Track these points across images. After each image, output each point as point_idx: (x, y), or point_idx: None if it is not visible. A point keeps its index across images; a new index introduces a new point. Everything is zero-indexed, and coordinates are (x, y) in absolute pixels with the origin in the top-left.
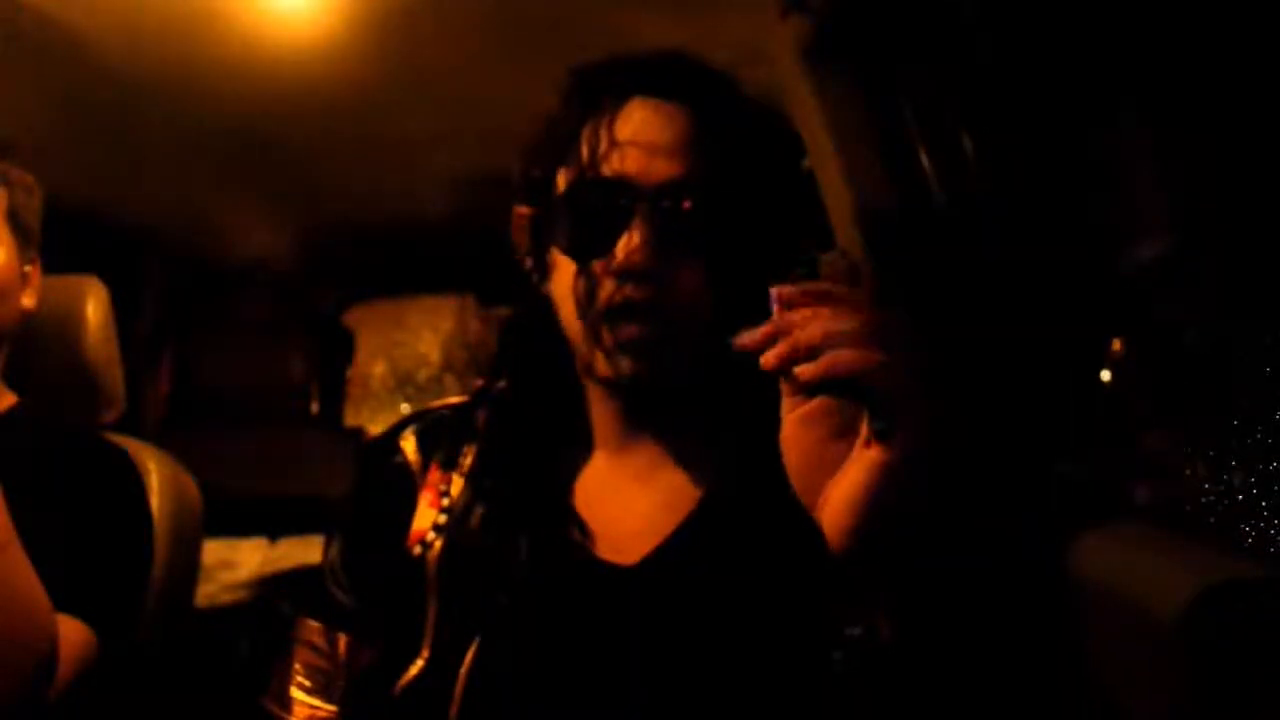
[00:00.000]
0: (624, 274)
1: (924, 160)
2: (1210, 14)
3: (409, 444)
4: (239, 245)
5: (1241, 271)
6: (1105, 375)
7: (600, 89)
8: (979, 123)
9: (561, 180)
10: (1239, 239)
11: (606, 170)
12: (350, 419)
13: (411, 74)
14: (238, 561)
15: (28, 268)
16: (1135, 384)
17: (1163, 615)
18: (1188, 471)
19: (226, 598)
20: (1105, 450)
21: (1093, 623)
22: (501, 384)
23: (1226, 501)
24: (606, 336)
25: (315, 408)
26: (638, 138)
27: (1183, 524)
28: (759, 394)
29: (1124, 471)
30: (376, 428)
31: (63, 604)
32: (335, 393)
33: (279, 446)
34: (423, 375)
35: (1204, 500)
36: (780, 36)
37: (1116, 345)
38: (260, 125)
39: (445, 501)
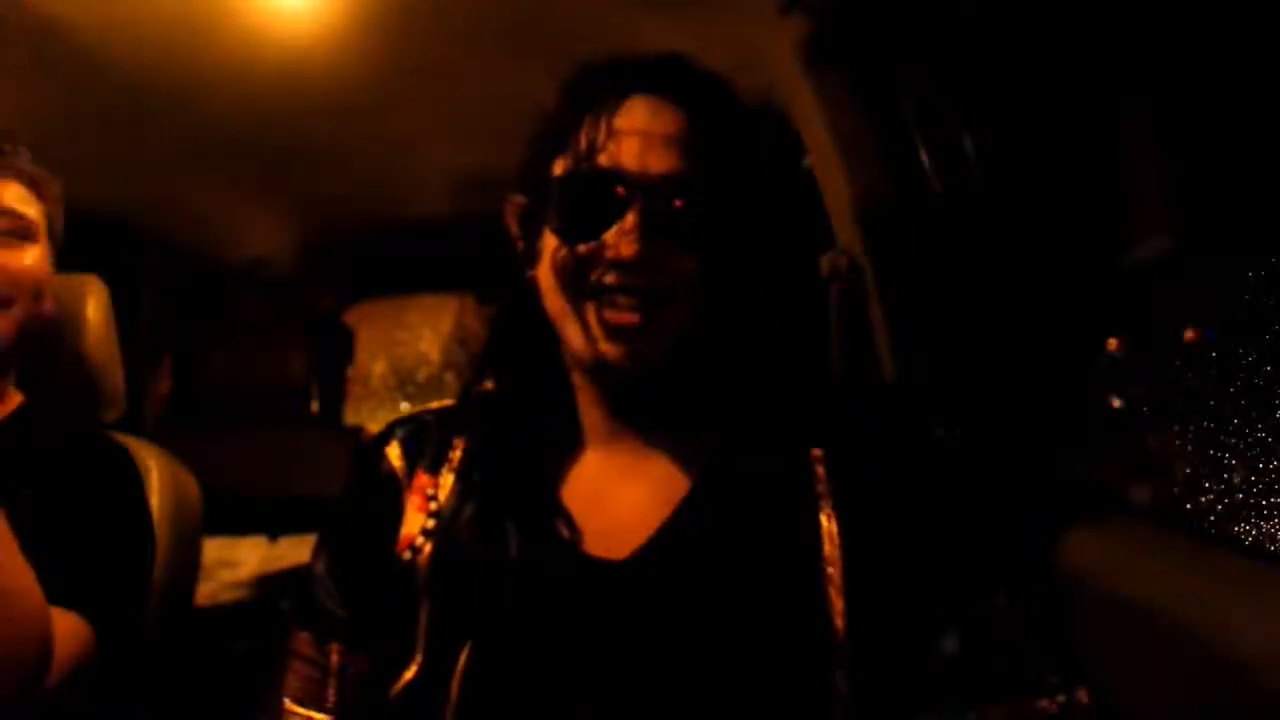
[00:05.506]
0: (613, 261)
1: (924, 160)
2: (1211, 12)
3: (393, 450)
4: (239, 245)
5: (1241, 271)
6: (1095, 378)
7: (601, 83)
8: (979, 122)
9: (557, 168)
10: (1239, 239)
11: (604, 160)
12: (350, 418)
13: (411, 73)
14: (238, 560)
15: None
16: (1134, 384)
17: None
18: (1188, 471)
19: (227, 596)
20: (1105, 450)
21: (1094, 622)
22: (488, 383)
23: (1226, 501)
24: (590, 319)
25: (315, 407)
26: (636, 131)
27: (1183, 524)
28: (747, 385)
29: (1124, 471)
30: (376, 427)
31: (64, 602)
32: (335, 392)
33: (279, 446)
34: (423, 374)
35: (1204, 500)
36: (779, 36)
37: (1112, 345)
38: (260, 125)
39: (433, 505)
